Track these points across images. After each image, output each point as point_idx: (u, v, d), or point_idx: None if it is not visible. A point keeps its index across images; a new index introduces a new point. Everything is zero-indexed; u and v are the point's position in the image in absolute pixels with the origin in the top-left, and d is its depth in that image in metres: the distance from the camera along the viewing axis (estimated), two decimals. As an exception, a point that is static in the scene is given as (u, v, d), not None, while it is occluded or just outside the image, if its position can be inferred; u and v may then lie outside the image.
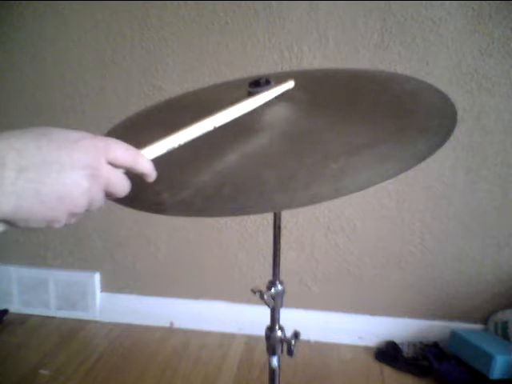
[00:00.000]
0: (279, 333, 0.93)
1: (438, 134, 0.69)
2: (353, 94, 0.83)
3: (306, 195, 0.59)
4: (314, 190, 0.59)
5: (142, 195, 0.65)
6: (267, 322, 0.94)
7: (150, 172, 0.57)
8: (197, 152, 0.72)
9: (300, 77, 0.96)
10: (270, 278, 0.93)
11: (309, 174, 0.62)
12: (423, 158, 0.63)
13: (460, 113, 1.62)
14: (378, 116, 0.74)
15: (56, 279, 2.01)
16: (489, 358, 1.52)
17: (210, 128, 0.65)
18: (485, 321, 1.77)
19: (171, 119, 0.88)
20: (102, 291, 2.02)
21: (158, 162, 0.63)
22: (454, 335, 1.70)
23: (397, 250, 1.78)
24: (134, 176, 0.58)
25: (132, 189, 0.60)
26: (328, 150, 0.66)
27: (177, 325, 1.96)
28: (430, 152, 0.65)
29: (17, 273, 2.04)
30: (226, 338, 1.88)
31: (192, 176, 0.67)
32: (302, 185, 0.60)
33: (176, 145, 0.62)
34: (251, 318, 1.81)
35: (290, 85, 0.78)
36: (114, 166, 0.53)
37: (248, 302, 1.86)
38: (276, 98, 0.77)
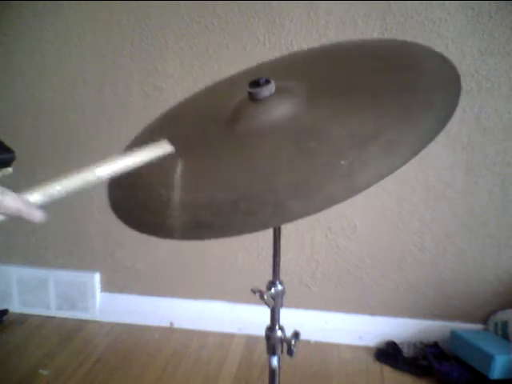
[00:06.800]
0: (279, 333, 0.93)
1: (444, 109, 0.66)
2: (352, 75, 0.81)
3: (320, 198, 0.58)
4: (328, 192, 0.58)
5: (153, 220, 0.64)
6: (267, 322, 0.94)
7: (36, 219, 0.62)
8: (205, 168, 0.71)
9: (298, 60, 0.94)
10: (270, 278, 0.93)
11: (320, 175, 0.61)
12: (430, 139, 0.60)
13: (460, 113, 1.62)
14: (380, 98, 0.71)
15: (56, 279, 2.01)
16: (489, 358, 1.52)
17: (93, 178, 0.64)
18: (485, 321, 1.77)
19: (178, 134, 0.87)
20: (101, 291, 2.02)
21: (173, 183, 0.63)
22: (454, 335, 1.70)
23: (397, 249, 1.78)
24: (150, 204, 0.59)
25: (154, 216, 0.60)
26: (335, 147, 0.64)
27: (177, 325, 1.96)
28: (437, 131, 0.61)
29: (17, 273, 2.04)
30: (226, 338, 1.88)
31: (204, 194, 0.65)
32: (315, 188, 0.59)
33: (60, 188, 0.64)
34: (251, 318, 1.81)
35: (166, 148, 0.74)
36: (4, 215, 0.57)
37: (248, 301, 1.86)
38: (276, 93, 0.77)
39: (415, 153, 0.59)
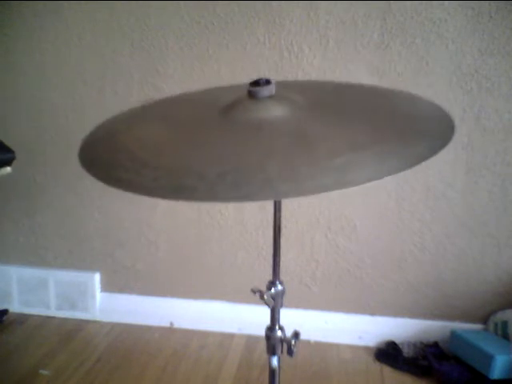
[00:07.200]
0: (279, 333, 0.93)
1: (437, 140, 0.70)
2: (352, 104, 0.84)
3: (309, 185, 0.60)
4: (318, 181, 0.60)
5: (140, 179, 0.66)
6: (267, 322, 0.94)
7: None
8: (197, 142, 0.73)
9: (299, 86, 0.96)
10: (270, 278, 0.93)
11: (313, 166, 0.63)
12: (424, 157, 0.64)
13: (460, 113, 1.62)
14: (379, 122, 0.75)
15: (56, 279, 2.01)
16: (489, 358, 1.52)
17: None
18: (485, 321, 1.77)
19: (170, 113, 0.89)
20: (101, 291, 2.02)
21: (158, 150, 0.64)
22: (454, 335, 1.70)
23: (397, 249, 1.78)
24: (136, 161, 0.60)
25: (130, 173, 0.62)
26: (331, 146, 0.66)
27: (177, 325, 1.96)
28: (427, 155, 0.66)
29: (17, 273, 2.04)
30: (226, 338, 1.88)
31: (192, 164, 0.67)
32: (305, 176, 0.61)
33: None
34: (251, 318, 1.81)
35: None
36: None
37: (248, 301, 1.86)
38: (275, 96, 0.78)
39: (406, 167, 0.63)
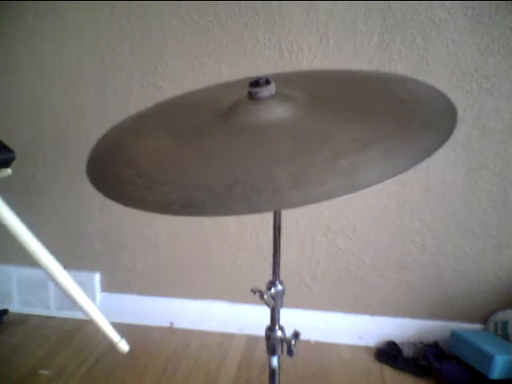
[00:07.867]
0: (279, 333, 0.93)
1: (442, 130, 0.69)
2: (352, 94, 0.83)
3: (319, 192, 0.59)
4: (327, 187, 0.59)
5: (150, 196, 0.65)
6: (267, 322, 0.94)
7: None
8: (202, 152, 0.72)
9: (298, 78, 0.96)
10: (269, 278, 0.93)
11: (320, 170, 0.62)
12: (430, 152, 0.64)
13: (460, 113, 1.62)
14: (381, 115, 0.73)
15: (56, 279, 2.01)
16: (489, 358, 1.52)
17: None
18: (485, 321, 1.77)
19: (172, 120, 0.88)
20: (101, 291, 2.02)
21: (164, 163, 0.63)
22: (454, 335, 1.70)
23: (397, 249, 1.78)
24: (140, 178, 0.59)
25: (139, 190, 0.61)
26: (336, 147, 0.65)
27: (177, 325, 1.96)
28: (437, 146, 0.65)
29: (17, 273, 2.04)
30: (226, 338, 1.88)
31: (200, 176, 0.66)
32: (314, 182, 0.60)
33: None
34: (251, 318, 1.81)
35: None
36: None
37: (248, 301, 1.86)
38: (276, 96, 0.77)
39: (413, 164, 0.62)
